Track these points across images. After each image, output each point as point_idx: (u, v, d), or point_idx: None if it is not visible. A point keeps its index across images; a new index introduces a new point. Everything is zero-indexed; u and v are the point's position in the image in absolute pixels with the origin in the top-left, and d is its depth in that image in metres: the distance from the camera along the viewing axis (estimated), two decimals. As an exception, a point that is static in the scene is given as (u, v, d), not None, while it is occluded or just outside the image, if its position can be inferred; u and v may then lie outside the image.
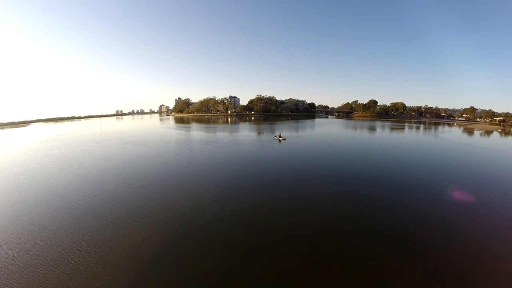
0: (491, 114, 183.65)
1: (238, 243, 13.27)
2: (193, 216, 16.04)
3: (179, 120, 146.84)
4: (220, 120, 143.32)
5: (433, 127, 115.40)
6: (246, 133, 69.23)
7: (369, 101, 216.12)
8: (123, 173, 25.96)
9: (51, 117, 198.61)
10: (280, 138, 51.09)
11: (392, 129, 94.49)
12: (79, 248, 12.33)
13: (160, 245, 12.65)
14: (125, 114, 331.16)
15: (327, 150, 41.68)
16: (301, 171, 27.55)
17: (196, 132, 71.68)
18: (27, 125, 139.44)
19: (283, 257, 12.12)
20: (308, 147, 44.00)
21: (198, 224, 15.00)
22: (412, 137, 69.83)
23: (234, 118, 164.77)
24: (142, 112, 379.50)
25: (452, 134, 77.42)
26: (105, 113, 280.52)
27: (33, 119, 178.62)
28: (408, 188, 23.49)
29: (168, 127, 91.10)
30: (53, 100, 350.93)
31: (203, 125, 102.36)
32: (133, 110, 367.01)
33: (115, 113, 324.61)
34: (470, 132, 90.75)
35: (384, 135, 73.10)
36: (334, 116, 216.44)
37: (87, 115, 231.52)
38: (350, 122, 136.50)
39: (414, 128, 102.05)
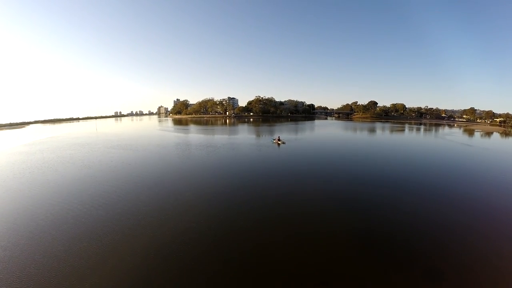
0: (491, 115, 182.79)
1: (229, 260, 11.56)
2: (171, 239, 13.73)
3: (177, 122, 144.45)
4: (219, 122, 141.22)
5: (434, 128, 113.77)
6: (243, 135, 67.20)
7: (369, 102, 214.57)
8: (96, 185, 22.79)
9: (49, 119, 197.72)
10: (279, 142, 48.46)
11: (394, 131, 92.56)
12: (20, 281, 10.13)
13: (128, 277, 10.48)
14: (123, 116, 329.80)
15: (329, 154, 39.29)
16: (301, 178, 25.33)
17: (192, 134, 69.66)
18: (24, 127, 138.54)
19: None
20: (308, 151, 40.99)
21: (180, 245, 12.75)
22: (416, 139, 67.56)
23: (232, 120, 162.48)
24: (141, 114, 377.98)
25: (457, 136, 75.30)
26: (104, 115, 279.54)
27: (32, 120, 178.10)
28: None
29: (164, 129, 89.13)
30: (52, 101, 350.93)
31: (200, 127, 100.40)
32: (131, 112, 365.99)
33: (113, 114, 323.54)
34: (474, 133, 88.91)
35: (387, 137, 70.99)
36: (334, 118, 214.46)
37: (86, 116, 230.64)
38: (350, 123, 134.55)
39: (416, 130, 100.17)
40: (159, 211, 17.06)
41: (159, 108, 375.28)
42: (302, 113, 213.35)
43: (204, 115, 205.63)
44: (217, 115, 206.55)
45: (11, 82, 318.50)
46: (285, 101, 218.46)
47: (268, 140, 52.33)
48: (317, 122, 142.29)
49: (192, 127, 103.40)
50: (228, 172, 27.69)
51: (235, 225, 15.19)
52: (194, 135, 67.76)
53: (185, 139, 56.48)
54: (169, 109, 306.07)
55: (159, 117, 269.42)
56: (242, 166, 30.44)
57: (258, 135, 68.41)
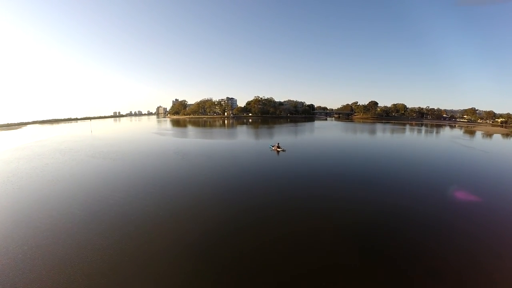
0: (492, 115, 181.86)
1: None
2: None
3: (174, 123, 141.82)
4: (217, 123, 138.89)
5: (437, 129, 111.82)
6: (240, 140, 64.55)
7: (369, 102, 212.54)
8: (53, 210, 19.00)
9: (48, 119, 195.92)
10: (279, 149, 44.76)
11: (399, 133, 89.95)
12: None
13: None
14: (122, 116, 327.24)
15: (334, 164, 35.35)
16: (304, 195, 22.44)
17: (185, 139, 66.51)
18: (21, 127, 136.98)
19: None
20: (311, 161, 36.42)
21: None
22: (426, 145, 63.56)
23: (231, 121, 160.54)
24: (140, 114, 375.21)
25: (467, 140, 72.09)
26: (103, 115, 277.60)
27: (30, 120, 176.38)
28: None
29: (158, 132, 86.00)
30: (51, 101, 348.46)
31: (196, 129, 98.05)
32: (130, 112, 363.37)
33: (112, 114, 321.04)
34: (482, 136, 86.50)
35: (393, 141, 67.40)
36: (334, 118, 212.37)
37: (84, 116, 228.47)
38: (351, 124, 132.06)
39: (422, 132, 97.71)
40: (118, 247, 13.68)
41: (158, 108, 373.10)
42: (302, 113, 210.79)
43: (203, 116, 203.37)
44: (216, 116, 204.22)
45: (12, 81, 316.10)
46: (284, 101, 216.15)
47: (267, 146, 48.62)
48: (317, 123, 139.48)
49: (188, 129, 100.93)
50: (218, 188, 24.58)
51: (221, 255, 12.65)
52: (188, 139, 64.83)
53: (176, 145, 53.13)
54: (168, 109, 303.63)
55: (158, 117, 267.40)
56: (235, 180, 27.25)
57: (256, 139, 65.73)
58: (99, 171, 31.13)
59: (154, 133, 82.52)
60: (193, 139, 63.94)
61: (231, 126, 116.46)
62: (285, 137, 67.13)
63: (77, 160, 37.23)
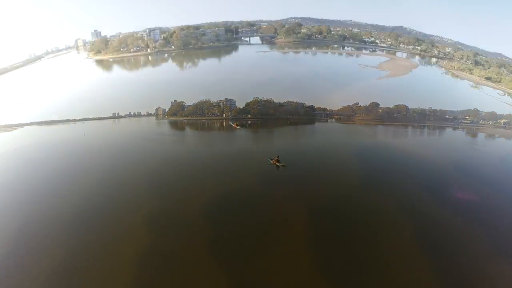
0: (494, 116, 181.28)
1: None
2: None
3: (172, 125, 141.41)
4: (215, 125, 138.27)
5: (441, 131, 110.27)
6: (236, 147, 61.84)
7: (371, 103, 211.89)
8: None
9: (46, 120, 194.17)
10: (278, 164, 40.45)
11: (403, 136, 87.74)
12: None
13: None
14: (121, 117, 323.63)
15: (339, 176, 32.57)
16: (309, 225, 19.46)
17: (174, 147, 63.69)
18: (16, 129, 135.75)
19: None
20: (316, 177, 32.50)
21: None
22: (428, 147, 61.65)
23: (229, 123, 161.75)
24: (139, 115, 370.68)
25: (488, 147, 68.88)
26: (102, 116, 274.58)
27: (28, 122, 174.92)
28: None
29: (148, 137, 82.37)
30: (51, 101, 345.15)
31: (190, 134, 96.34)
32: (129, 113, 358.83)
33: (111, 115, 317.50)
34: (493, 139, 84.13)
35: (398, 145, 65.73)
36: (334, 119, 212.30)
37: (83, 117, 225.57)
38: (353, 127, 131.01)
39: (425, 134, 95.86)
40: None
41: (157, 109, 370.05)
42: (303, 115, 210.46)
43: (201, 117, 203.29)
44: (214, 117, 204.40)
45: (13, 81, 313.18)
46: (284, 102, 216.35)
47: (265, 159, 43.69)
48: (318, 126, 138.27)
49: (183, 133, 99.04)
50: (205, 216, 21.66)
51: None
52: (177, 147, 61.79)
53: (160, 156, 49.76)
54: (166, 110, 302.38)
55: (157, 118, 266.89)
56: (229, 204, 24.21)
57: (254, 147, 62.71)
58: (38, 204, 26.41)
59: (146, 138, 79.06)
60: (185, 148, 61.15)
61: (229, 129, 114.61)
62: (285, 142, 64.30)
63: (24, 182, 33.43)
